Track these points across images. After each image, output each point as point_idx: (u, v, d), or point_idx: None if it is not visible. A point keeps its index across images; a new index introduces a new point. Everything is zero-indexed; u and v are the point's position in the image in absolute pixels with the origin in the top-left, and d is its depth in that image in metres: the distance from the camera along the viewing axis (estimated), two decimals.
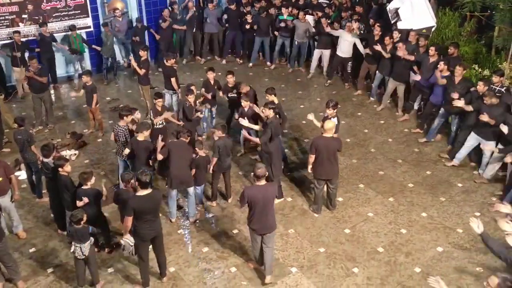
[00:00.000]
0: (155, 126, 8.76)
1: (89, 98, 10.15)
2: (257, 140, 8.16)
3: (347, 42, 11.96)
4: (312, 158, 7.56)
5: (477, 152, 8.93)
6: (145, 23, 13.77)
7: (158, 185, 8.50)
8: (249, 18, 13.51)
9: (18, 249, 7.29)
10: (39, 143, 8.75)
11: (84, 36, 13.12)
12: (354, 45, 11.94)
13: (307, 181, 8.83)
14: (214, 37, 14.26)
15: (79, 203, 6.65)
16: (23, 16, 12.23)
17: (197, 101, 9.57)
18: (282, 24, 13.04)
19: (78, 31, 12.67)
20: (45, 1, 12.28)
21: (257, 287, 6.61)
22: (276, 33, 13.44)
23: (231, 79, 9.79)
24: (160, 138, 7.65)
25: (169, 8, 14.21)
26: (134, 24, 13.45)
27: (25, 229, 7.63)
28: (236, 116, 9.47)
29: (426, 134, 10.08)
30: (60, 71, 13.29)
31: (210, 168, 7.88)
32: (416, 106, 10.93)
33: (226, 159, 8.00)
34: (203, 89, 9.90)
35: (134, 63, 10.92)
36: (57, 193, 7.17)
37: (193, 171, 7.66)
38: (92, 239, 6.33)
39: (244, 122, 8.37)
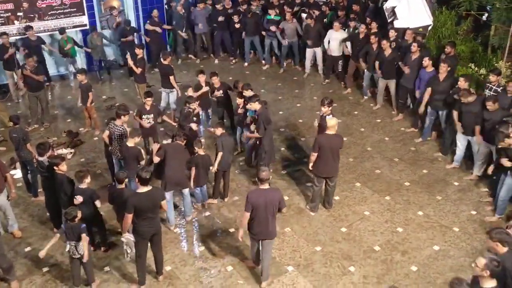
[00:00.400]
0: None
1: (84, 97, 10.11)
2: (257, 135, 8.14)
3: (336, 41, 12.02)
4: (314, 156, 7.52)
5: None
6: (139, 23, 13.71)
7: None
8: (235, 18, 13.56)
9: (14, 248, 7.26)
10: (35, 141, 8.71)
11: (80, 35, 13.07)
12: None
13: (304, 180, 8.82)
14: (206, 36, 14.31)
15: (75, 202, 6.62)
16: (18, 14, 12.17)
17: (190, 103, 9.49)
18: (273, 29, 13.05)
19: (74, 29, 12.63)
20: None
21: (253, 286, 6.59)
22: (263, 32, 13.46)
23: (215, 80, 9.75)
24: (151, 139, 7.64)
25: (166, 6, 14.25)
26: (123, 25, 13.34)
27: (20, 228, 7.60)
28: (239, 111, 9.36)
29: (421, 133, 10.09)
30: (53, 70, 13.24)
31: (215, 166, 7.87)
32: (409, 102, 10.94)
33: (229, 156, 8.03)
34: (190, 89, 9.71)
35: (130, 62, 10.89)
36: (53, 192, 7.14)
37: (193, 170, 7.65)
38: (87, 238, 6.29)
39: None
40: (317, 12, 12.91)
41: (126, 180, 6.86)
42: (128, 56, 11.58)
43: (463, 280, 4.71)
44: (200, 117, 9.74)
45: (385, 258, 7.04)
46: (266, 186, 6.04)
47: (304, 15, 13.05)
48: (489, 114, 8.04)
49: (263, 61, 14.02)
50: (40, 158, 7.23)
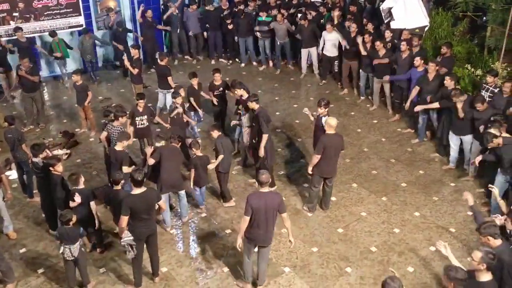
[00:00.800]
0: (137, 126, 8.77)
1: (80, 97, 10.07)
2: (264, 138, 8.03)
3: (330, 42, 12.06)
4: (317, 158, 7.47)
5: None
6: (135, 24, 13.67)
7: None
8: (228, 19, 13.59)
9: (9, 249, 7.21)
10: (31, 142, 8.64)
11: (77, 36, 13.04)
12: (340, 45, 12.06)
13: (301, 180, 8.81)
14: (198, 37, 14.30)
15: (72, 203, 6.59)
16: (14, 14, 12.12)
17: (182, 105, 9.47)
18: (258, 34, 13.19)
19: (70, 30, 12.59)
20: None
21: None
22: (257, 33, 13.48)
23: (217, 77, 9.76)
24: (146, 141, 7.60)
25: (162, 7, 14.23)
26: (115, 26, 13.30)
27: (15, 229, 7.56)
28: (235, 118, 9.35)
29: (417, 134, 10.10)
30: (44, 72, 13.18)
31: (214, 165, 7.86)
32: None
33: (229, 157, 8.03)
34: (181, 90, 9.62)
35: (127, 62, 10.87)
36: (48, 193, 7.10)
37: (192, 171, 7.63)
38: (81, 240, 6.27)
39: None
40: (313, 13, 12.94)
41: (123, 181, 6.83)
42: (124, 57, 11.57)
43: (457, 267, 4.74)
44: (193, 117, 9.73)
45: (382, 259, 7.03)
46: (266, 189, 5.93)
47: (299, 15, 13.08)
48: (479, 114, 8.12)
49: (254, 63, 14.08)
50: (35, 159, 7.19)
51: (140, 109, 8.83)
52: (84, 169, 9.12)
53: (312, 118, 8.47)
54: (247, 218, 5.90)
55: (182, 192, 7.60)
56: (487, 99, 8.47)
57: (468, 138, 8.52)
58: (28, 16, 12.31)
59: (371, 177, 8.94)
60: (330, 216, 7.95)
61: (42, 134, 10.46)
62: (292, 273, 6.79)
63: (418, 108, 9.28)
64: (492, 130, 7.30)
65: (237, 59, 14.38)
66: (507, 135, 7.34)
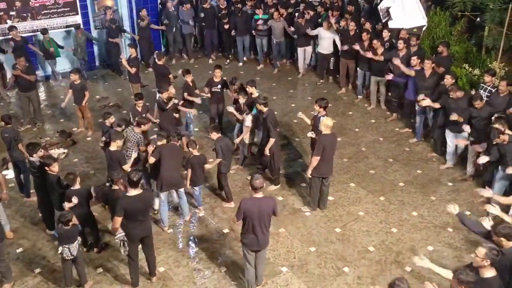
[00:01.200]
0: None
1: (77, 97, 10.04)
2: (271, 142, 8.09)
3: (326, 39, 12.10)
4: (317, 160, 7.47)
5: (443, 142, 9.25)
6: (133, 23, 13.64)
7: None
8: (224, 17, 13.63)
9: (5, 249, 7.16)
10: (28, 141, 8.61)
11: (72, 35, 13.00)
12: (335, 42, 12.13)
13: (298, 180, 8.81)
14: (192, 36, 14.35)
15: (68, 204, 6.56)
16: (11, 13, 12.08)
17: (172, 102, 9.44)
18: (260, 27, 13.21)
19: (67, 29, 12.55)
20: None
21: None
22: (253, 32, 13.56)
23: (218, 74, 9.72)
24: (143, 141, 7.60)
25: (160, 6, 14.21)
26: (109, 24, 13.28)
27: (12, 229, 7.53)
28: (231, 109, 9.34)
29: (415, 133, 10.11)
30: (40, 72, 13.15)
31: (211, 166, 7.90)
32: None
33: (229, 157, 8.06)
34: (171, 87, 9.52)
35: (124, 62, 10.84)
36: (45, 192, 7.08)
37: (189, 171, 7.62)
38: (79, 238, 6.25)
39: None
40: (311, 13, 12.94)
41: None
42: (122, 56, 11.54)
43: (467, 270, 4.73)
44: (188, 115, 9.71)
45: (380, 258, 7.03)
46: (260, 194, 5.88)
47: (297, 14, 13.10)
48: (477, 111, 8.17)
49: (245, 58, 14.17)
50: (32, 158, 7.17)
51: (139, 109, 8.80)
52: (81, 169, 9.10)
53: (308, 122, 8.45)
54: (239, 223, 5.93)
55: (182, 190, 7.59)
56: (485, 98, 8.49)
57: (464, 135, 8.57)
58: (25, 15, 12.28)
59: (369, 177, 8.93)
60: (328, 215, 7.94)
61: (39, 134, 10.42)
62: (290, 272, 6.78)
63: (425, 103, 9.02)
64: (497, 125, 7.35)
65: (228, 58, 14.40)
66: (511, 132, 7.37)
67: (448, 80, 8.85)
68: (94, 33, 13.65)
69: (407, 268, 6.84)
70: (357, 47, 10.93)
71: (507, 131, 7.34)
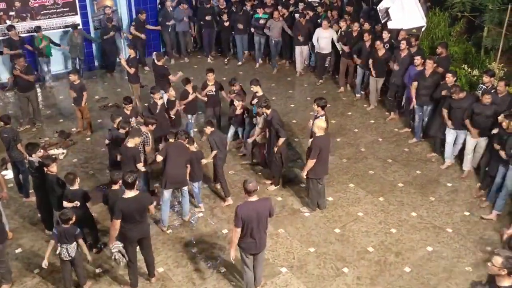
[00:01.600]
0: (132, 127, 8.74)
1: (76, 97, 10.02)
2: (281, 141, 8.10)
3: (325, 40, 12.17)
4: (313, 162, 7.48)
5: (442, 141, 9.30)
6: (132, 23, 13.65)
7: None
8: (225, 16, 13.66)
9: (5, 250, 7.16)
10: (27, 142, 8.60)
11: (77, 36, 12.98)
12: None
13: (297, 181, 8.80)
14: (186, 35, 14.34)
15: (67, 204, 6.56)
16: (10, 13, 12.07)
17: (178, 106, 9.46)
18: (261, 22, 13.27)
19: (64, 29, 12.53)
20: None
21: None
22: (252, 29, 13.62)
23: (211, 77, 9.73)
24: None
25: (159, 6, 14.21)
26: (105, 22, 13.25)
27: (11, 229, 7.51)
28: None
29: (414, 134, 10.13)
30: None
31: (207, 161, 7.95)
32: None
33: (223, 151, 8.10)
34: (171, 88, 9.52)
35: (123, 62, 10.83)
36: (44, 193, 7.07)
37: (188, 167, 7.64)
38: (83, 243, 6.24)
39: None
40: (311, 13, 12.98)
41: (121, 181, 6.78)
42: (121, 56, 11.52)
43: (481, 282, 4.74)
44: (189, 120, 9.74)
45: (379, 259, 7.02)
46: (254, 197, 5.84)
47: (297, 15, 13.12)
48: (480, 108, 8.23)
49: (239, 63, 14.19)
50: (30, 158, 7.16)
51: (128, 113, 8.80)
52: (80, 169, 9.09)
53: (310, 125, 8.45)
54: (239, 230, 5.80)
55: (186, 189, 7.61)
56: None
57: (464, 133, 8.67)
58: (24, 15, 12.27)
59: (368, 177, 8.93)
60: (327, 216, 7.94)
61: (38, 134, 10.41)
62: (289, 273, 6.78)
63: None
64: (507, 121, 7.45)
65: (227, 58, 14.43)
66: None
67: (449, 78, 8.91)
68: (93, 34, 13.62)
69: (406, 268, 6.84)
70: (357, 61, 11.29)
71: None
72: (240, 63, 14.14)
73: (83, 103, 10.05)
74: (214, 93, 9.80)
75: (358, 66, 11.60)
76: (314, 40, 12.38)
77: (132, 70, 10.73)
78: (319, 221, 7.82)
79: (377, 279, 6.67)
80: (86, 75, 13.02)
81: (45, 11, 12.49)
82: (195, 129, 10.21)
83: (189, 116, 9.76)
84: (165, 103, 9.31)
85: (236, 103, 9.09)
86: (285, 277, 6.72)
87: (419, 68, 9.64)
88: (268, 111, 8.19)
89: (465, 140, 8.71)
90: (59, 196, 6.78)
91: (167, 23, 13.71)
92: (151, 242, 6.50)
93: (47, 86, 12.65)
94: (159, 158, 7.46)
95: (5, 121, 8.15)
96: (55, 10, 12.62)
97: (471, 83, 9.85)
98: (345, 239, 7.41)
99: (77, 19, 12.91)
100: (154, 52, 11.67)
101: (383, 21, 11.35)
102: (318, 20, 12.89)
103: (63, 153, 9.57)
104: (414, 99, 9.65)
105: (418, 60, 9.67)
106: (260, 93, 9.11)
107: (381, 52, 10.57)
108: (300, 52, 13.03)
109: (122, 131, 7.95)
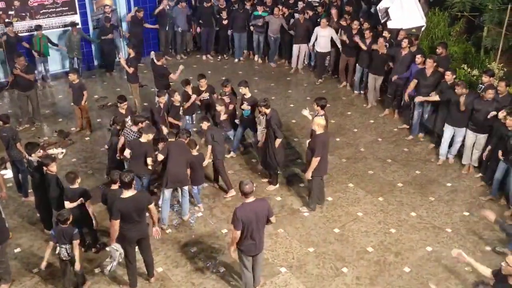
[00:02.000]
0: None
1: (76, 96, 10.01)
2: (278, 141, 8.13)
3: (324, 38, 12.20)
4: (317, 160, 7.48)
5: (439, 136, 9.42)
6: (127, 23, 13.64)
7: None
8: (224, 14, 13.68)
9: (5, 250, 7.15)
10: (26, 141, 8.58)
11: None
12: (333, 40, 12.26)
13: (296, 181, 8.80)
14: (184, 35, 14.30)
15: (69, 205, 6.54)
16: (10, 12, 12.05)
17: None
18: (259, 23, 13.30)
19: (65, 28, 12.50)
20: None
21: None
22: (251, 28, 13.66)
23: (203, 83, 9.69)
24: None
25: (158, 5, 14.17)
26: (103, 22, 13.22)
27: (10, 228, 7.46)
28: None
29: (411, 130, 10.23)
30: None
31: (208, 160, 7.98)
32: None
33: (223, 146, 8.17)
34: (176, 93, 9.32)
35: (122, 61, 10.81)
36: (43, 192, 7.05)
37: (188, 171, 7.64)
38: (78, 247, 6.21)
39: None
40: (310, 13, 12.99)
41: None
42: (121, 55, 11.51)
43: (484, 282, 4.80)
44: (187, 121, 9.73)
45: (378, 259, 7.02)
46: (251, 199, 5.82)
47: (297, 15, 13.13)
48: (481, 104, 8.33)
49: (241, 58, 14.24)
50: (30, 158, 7.14)
51: (123, 112, 8.76)
52: (80, 168, 9.07)
53: (309, 117, 8.42)
54: (239, 233, 5.77)
55: (186, 188, 7.61)
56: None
57: (462, 131, 8.75)
58: (23, 14, 12.24)
59: (368, 177, 8.93)
60: (327, 216, 7.93)
61: (37, 133, 10.39)
62: (289, 273, 6.77)
63: (418, 99, 9.40)
64: (510, 117, 7.53)
65: (225, 55, 14.46)
66: None
67: (448, 76, 9.01)
68: (92, 33, 13.59)
69: (405, 268, 6.83)
70: (357, 38, 11.16)
71: None
72: (236, 60, 14.16)
73: (83, 102, 10.04)
74: (207, 97, 9.80)
75: (357, 64, 11.64)
76: (312, 38, 12.39)
77: (131, 70, 10.71)
78: (319, 221, 7.81)
79: (377, 279, 6.67)
80: (85, 75, 13.00)
81: (44, 10, 12.47)
82: (194, 129, 10.18)
83: (187, 117, 9.73)
84: (168, 106, 9.24)
85: (218, 108, 8.86)
86: (284, 277, 6.71)
87: (420, 66, 9.71)
88: (268, 111, 8.19)
89: (464, 137, 8.80)
90: (58, 195, 6.76)
91: (155, 12, 13.63)
92: (150, 242, 6.48)
93: (43, 85, 12.59)
94: (160, 157, 7.45)
95: (4, 120, 8.13)
96: (54, 9, 12.60)
97: (471, 83, 9.84)
98: (344, 239, 7.41)
99: (76, 18, 12.88)
100: (153, 52, 11.64)
101: (382, 21, 11.34)
102: (318, 20, 12.89)
103: (62, 152, 9.56)
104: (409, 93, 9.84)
105: (419, 58, 9.72)
106: (248, 95, 9.06)
107: (381, 50, 10.60)
108: (298, 50, 13.05)
109: (135, 128, 7.90)
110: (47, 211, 7.25)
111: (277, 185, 8.59)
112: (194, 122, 10.14)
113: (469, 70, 10.10)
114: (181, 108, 9.34)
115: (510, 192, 7.74)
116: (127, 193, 5.95)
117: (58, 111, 11.37)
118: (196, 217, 7.91)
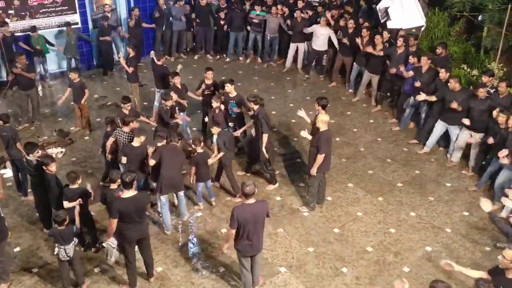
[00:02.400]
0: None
1: (76, 95, 10.00)
2: (265, 137, 8.07)
3: (321, 37, 12.26)
4: (322, 157, 7.45)
5: (443, 137, 9.39)
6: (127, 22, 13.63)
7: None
8: (222, 14, 13.70)
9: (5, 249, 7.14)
10: (26, 140, 8.58)
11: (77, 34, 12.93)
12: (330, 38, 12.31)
13: (296, 180, 8.80)
14: (182, 34, 14.28)
15: (68, 204, 6.54)
16: (9, 11, 12.04)
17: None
18: (255, 20, 13.36)
19: (61, 28, 12.50)
20: None
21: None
22: (248, 27, 13.68)
23: (209, 75, 9.56)
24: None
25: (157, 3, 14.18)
26: (101, 22, 13.21)
27: (9, 227, 7.47)
28: (206, 119, 9.41)
29: (399, 122, 10.41)
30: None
31: (213, 160, 7.94)
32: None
33: (232, 150, 8.16)
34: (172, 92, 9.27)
35: (122, 61, 10.80)
36: (43, 192, 7.05)
37: (193, 169, 7.62)
38: (76, 239, 6.21)
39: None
40: (310, 13, 13.00)
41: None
42: (120, 55, 11.49)
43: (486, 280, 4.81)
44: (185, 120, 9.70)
45: (378, 259, 7.02)
46: (252, 200, 5.81)
47: (295, 14, 13.14)
48: (475, 103, 8.38)
49: (240, 58, 14.27)
50: (29, 157, 7.14)
51: (127, 112, 8.73)
52: (79, 168, 9.07)
53: (308, 120, 8.38)
54: (233, 231, 5.80)
55: (182, 193, 7.55)
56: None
57: (456, 129, 8.85)
58: (23, 13, 12.23)
59: (367, 177, 8.93)
60: (326, 216, 7.93)
61: (37, 132, 10.38)
62: (288, 273, 6.77)
63: (420, 97, 9.31)
64: (503, 115, 7.63)
65: (224, 55, 14.46)
66: None
67: (442, 74, 9.08)
68: (92, 32, 13.57)
69: (405, 268, 6.84)
70: (359, 41, 11.19)
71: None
72: (228, 59, 14.17)
73: (83, 101, 10.03)
74: (211, 92, 9.60)
75: (355, 63, 11.68)
76: (309, 30, 12.43)
77: (130, 70, 10.70)
78: (318, 221, 7.81)
79: (376, 279, 6.67)
80: (85, 74, 12.96)
81: (44, 10, 12.46)
82: (194, 128, 10.18)
83: (182, 113, 9.64)
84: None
85: (214, 104, 8.77)
86: (284, 276, 6.71)
87: (416, 64, 9.82)
88: (255, 107, 8.07)
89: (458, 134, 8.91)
90: (58, 195, 6.76)
91: (155, 15, 13.58)
92: (150, 242, 6.48)
93: (42, 85, 12.58)
94: (152, 162, 7.32)
95: (4, 119, 8.11)
96: (54, 9, 12.58)
97: (471, 83, 9.85)
98: (344, 239, 7.41)
99: (76, 17, 12.87)
100: (153, 51, 11.63)
101: (382, 21, 11.35)
102: (318, 19, 12.90)
103: (61, 152, 9.55)
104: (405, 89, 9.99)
105: (411, 59, 9.86)
106: (233, 93, 8.90)
107: (378, 47, 10.67)
108: (294, 49, 13.07)
109: (126, 129, 7.85)
110: (47, 210, 7.25)
111: (277, 184, 8.58)
112: (189, 119, 10.01)
113: (469, 70, 10.11)
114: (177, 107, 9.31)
115: (496, 184, 7.77)
116: (128, 193, 5.94)
117: (58, 111, 11.35)
118: (196, 216, 7.91)
